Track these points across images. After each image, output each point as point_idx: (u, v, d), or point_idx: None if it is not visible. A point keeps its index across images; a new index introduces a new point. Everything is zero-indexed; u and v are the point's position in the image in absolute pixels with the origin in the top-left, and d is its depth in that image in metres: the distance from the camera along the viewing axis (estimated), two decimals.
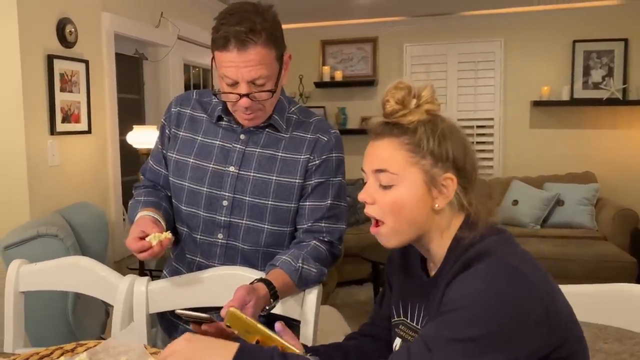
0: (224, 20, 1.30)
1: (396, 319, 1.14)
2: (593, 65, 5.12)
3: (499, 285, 0.86)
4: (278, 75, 1.36)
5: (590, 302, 1.29)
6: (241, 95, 1.32)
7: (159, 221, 1.37)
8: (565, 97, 5.14)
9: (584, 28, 5.10)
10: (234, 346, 0.90)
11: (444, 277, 0.97)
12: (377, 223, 1.02)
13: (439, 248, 1.02)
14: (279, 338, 1.00)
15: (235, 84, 1.32)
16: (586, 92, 5.13)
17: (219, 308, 1.19)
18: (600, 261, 4.11)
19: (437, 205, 0.99)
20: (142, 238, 1.29)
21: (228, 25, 1.28)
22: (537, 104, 5.24)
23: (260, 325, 0.99)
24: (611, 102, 5.02)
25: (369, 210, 1.02)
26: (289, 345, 1.00)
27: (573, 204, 4.71)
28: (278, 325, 1.07)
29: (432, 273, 1.05)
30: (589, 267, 4.08)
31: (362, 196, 1.03)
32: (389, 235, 1.02)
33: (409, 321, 1.10)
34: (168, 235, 1.28)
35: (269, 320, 1.26)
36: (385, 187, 1.00)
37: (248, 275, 1.40)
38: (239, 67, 1.29)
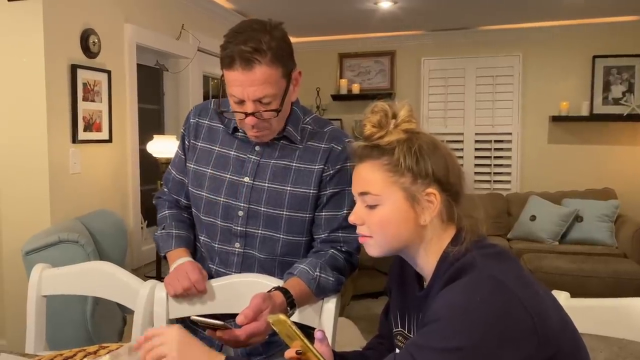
0: (231, 39, 1.31)
1: (395, 329, 1.16)
2: (613, 81, 5.09)
3: (480, 296, 0.87)
4: (285, 93, 1.36)
5: (608, 315, 1.28)
6: (247, 114, 1.33)
7: (202, 270, 1.47)
8: (585, 112, 5.10)
9: (604, 43, 5.07)
10: (220, 357, 0.94)
11: (434, 290, 0.98)
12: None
13: (427, 261, 1.04)
14: (315, 350, 1.01)
15: (241, 102, 1.33)
16: (606, 108, 5.09)
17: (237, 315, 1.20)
18: (619, 278, 4.04)
19: (422, 221, 1.01)
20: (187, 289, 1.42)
21: (234, 44, 1.29)
22: (555, 119, 5.21)
23: (301, 335, 1.00)
24: (631, 118, 4.97)
25: (359, 230, 1.07)
26: (320, 358, 1.01)
27: (592, 220, 4.65)
28: (319, 333, 1.08)
29: (425, 286, 1.06)
30: (608, 284, 4.02)
31: (351, 218, 1.07)
32: (375, 246, 1.06)
33: (406, 332, 1.12)
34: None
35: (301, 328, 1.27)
36: (371, 207, 1.03)
37: (266, 282, 1.40)
38: (244, 86, 1.30)
